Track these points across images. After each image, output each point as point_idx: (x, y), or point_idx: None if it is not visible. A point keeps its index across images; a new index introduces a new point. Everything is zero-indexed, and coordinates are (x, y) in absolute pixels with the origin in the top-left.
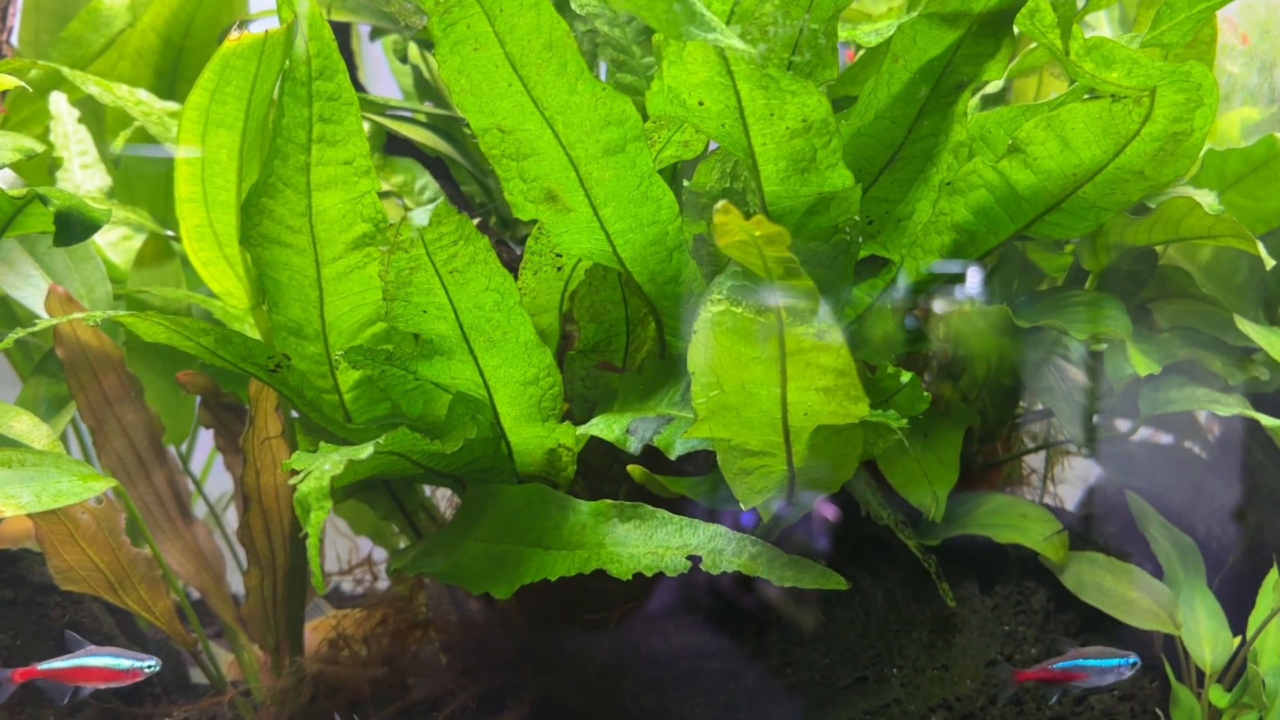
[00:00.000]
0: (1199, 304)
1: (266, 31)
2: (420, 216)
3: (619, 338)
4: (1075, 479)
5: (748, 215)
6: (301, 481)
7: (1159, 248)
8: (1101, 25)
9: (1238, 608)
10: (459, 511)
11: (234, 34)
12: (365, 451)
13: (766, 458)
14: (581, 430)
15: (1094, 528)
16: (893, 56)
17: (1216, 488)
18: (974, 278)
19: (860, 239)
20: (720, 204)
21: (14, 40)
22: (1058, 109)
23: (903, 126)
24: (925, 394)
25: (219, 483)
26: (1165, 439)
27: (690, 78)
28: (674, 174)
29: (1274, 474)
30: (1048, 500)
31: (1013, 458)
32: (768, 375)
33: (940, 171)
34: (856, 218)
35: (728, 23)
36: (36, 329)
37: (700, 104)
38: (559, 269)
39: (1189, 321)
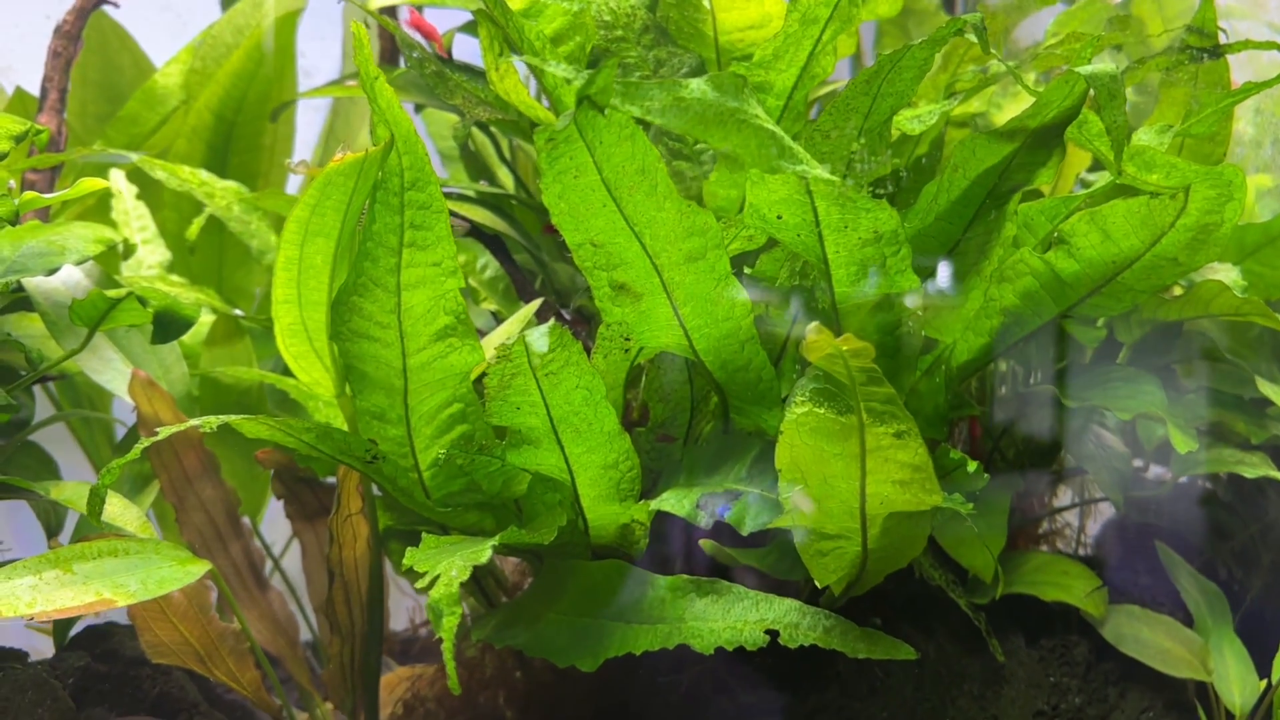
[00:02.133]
0: (1219, 364)
1: (367, 151)
2: (539, 342)
3: (684, 414)
4: (1096, 514)
5: (817, 310)
6: (431, 588)
7: None
8: None
9: (1257, 647)
10: (536, 583)
11: (339, 154)
12: (484, 555)
13: (843, 540)
14: (654, 505)
15: (1117, 570)
16: (953, 167)
17: (1234, 526)
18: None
19: (920, 330)
20: (813, 325)
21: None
22: (1099, 205)
23: (959, 227)
24: (985, 475)
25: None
26: (1182, 478)
27: (771, 195)
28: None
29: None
30: (1081, 552)
31: (1050, 514)
32: (848, 470)
33: (992, 264)
34: (920, 312)
35: (779, 119)
36: (159, 438)
37: (779, 218)
38: (626, 351)
39: (1211, 381)
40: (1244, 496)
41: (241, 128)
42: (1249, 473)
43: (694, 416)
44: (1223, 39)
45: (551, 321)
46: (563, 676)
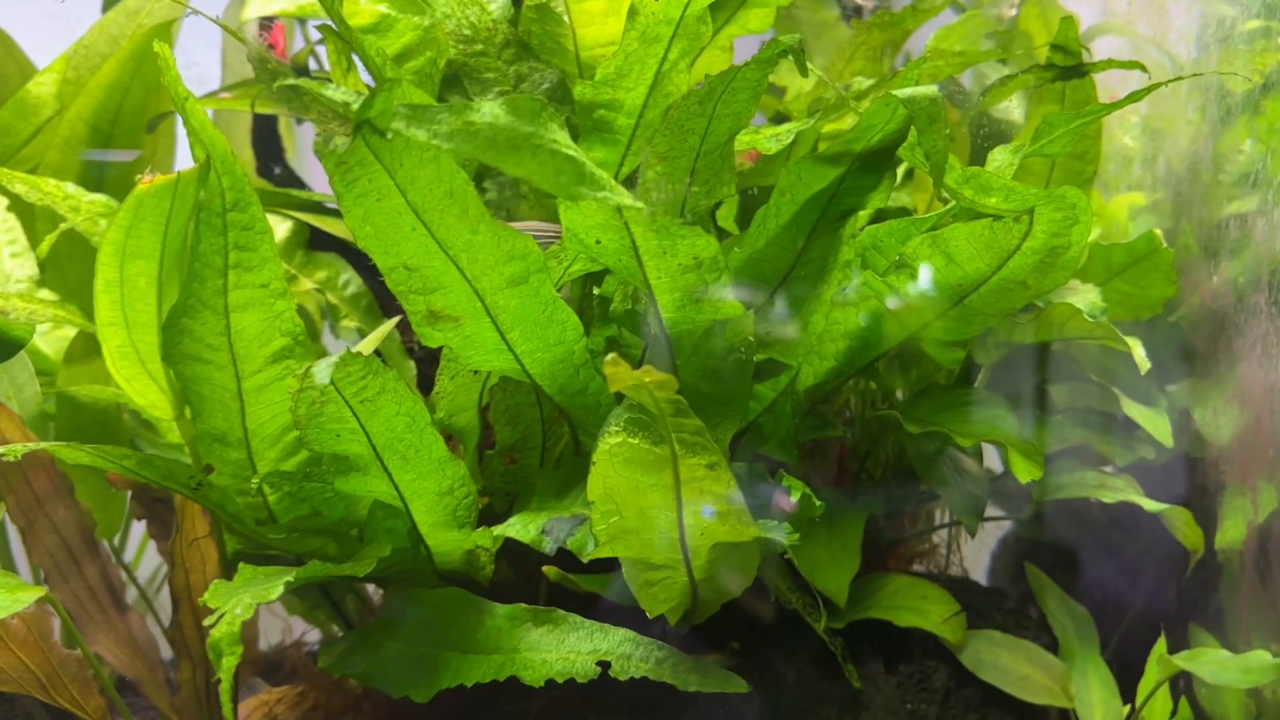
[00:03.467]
0: (1091, 384)
1: (179, 173)
2: (322, 373)
3: (535, 437)
4: (986, 532)
5: (649, 335)
6: (214, 626)
7: None
8: (1014, 103)
9: (1134, 671)
10: (381, 612)
11: (146, 177)
12: (275, 592)
13: (669, 570)
14: (498, 531)
15: (990, 594)
16: (780, 191)
17: (1120, 543)
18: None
19: (753, 355)
20: (610, 356)
21: None
22: (941, 229)
23: (792, 251)
24: (818, 502)
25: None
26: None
27: (587, 220)
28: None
29: (1165, 536)
30: (955, 571)
31: (918, 534)
32: (665, 501)
33: (831, 287)
34: (751, 339)
35: (631, 138)
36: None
37: (598, 242)
38: (475, 372)
39: (1083, 401)
40: (1131, 514)
41: (119, 140)
42: (1108, 497)
43: (546, 439)
44: (1090, 58)
45: (347, 351)
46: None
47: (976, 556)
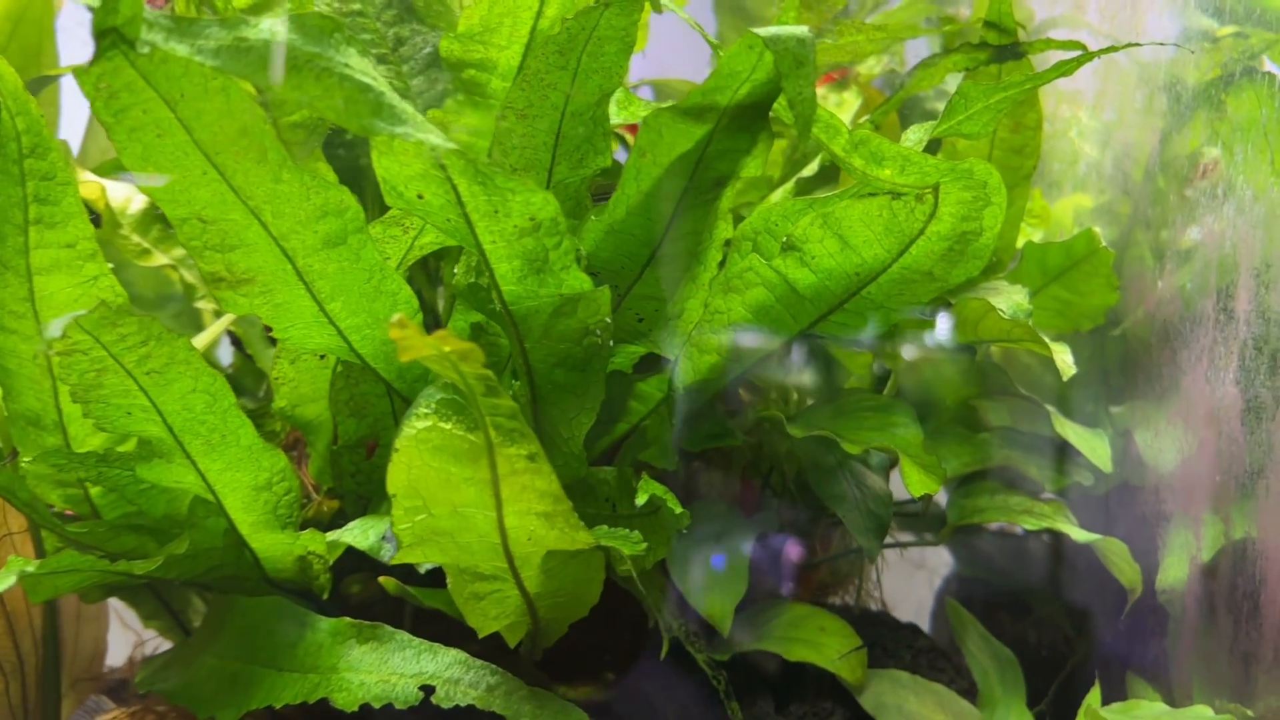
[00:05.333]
0: (1025, 401)
1: None
2: (54, 328)
3: (387, 432)
4: (931, 572)
5: (494, 314)
6: None
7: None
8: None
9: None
10: (202, 622)
11: None
12: (6, 582)
13: (499, 582)
14: (333, 537)
15: (911, 629)
16: (639, 151)
17: (1068, 582)
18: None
19: (609, 339)
20: (396, 317)
21: None
22: (833, 205)
23: (659, 223)
24: (684, 511)
25: None
26: (1017, 529)
27: (404, 169)
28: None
29: (1111, 577)
30: (873, 607)
31: (828, 559)
32: (482, 498)
33: (708, 270)
34: (608, 320)
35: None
36: None
37: (420, 197)
38: (322, 356)
39: (1018, 419)
40: (1081, 551)
41: None
42: (1030, 524)
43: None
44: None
45: (104, 304)
46: (278, 717)
47: (925, 600)
